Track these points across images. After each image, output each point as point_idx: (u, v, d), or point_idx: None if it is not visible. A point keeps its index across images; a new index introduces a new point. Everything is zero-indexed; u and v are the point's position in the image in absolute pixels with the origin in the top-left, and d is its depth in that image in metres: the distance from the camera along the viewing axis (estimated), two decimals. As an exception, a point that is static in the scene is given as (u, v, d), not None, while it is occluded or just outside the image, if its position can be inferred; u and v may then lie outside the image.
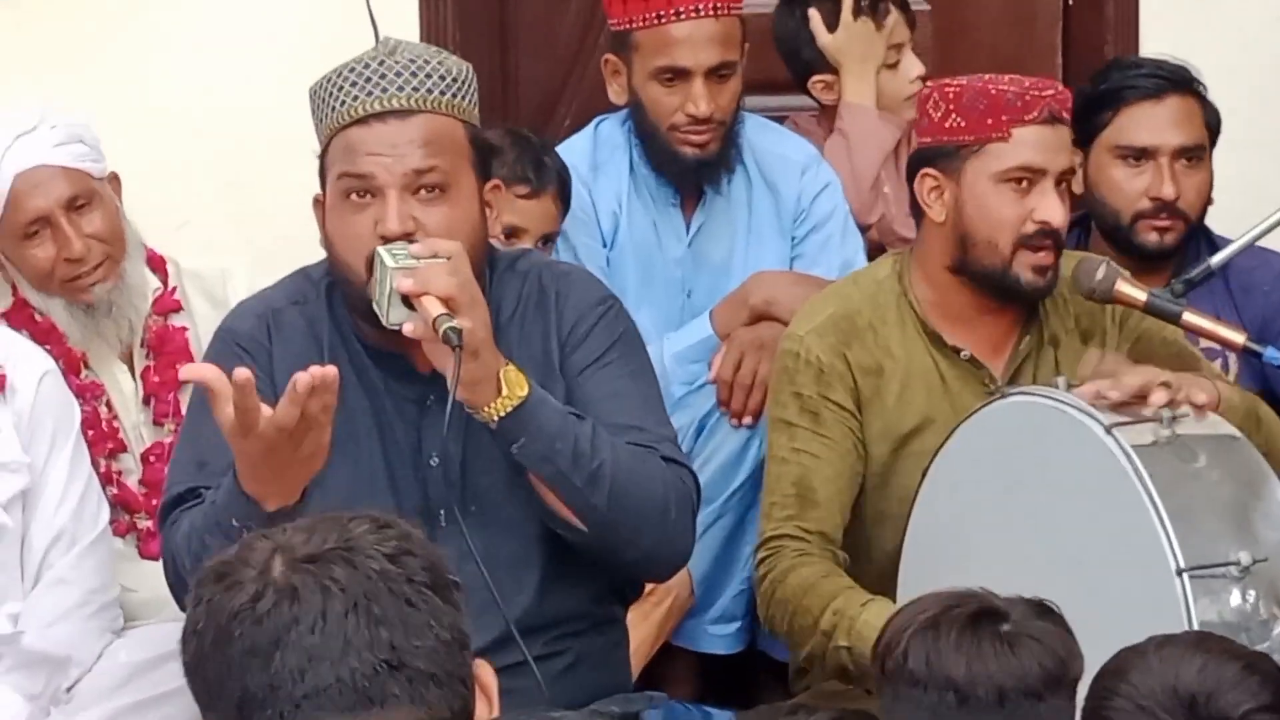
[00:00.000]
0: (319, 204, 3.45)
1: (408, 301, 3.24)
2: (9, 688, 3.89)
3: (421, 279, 3.23)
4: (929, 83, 3.83)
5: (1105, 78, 4.27)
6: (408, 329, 3.24)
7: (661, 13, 4.32)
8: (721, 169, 4.41)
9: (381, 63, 3.38)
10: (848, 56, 4.64)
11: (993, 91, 3.74)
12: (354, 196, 3.36)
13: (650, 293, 4.37)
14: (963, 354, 3.81)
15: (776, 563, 3.71)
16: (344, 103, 3.37)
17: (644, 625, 4.09)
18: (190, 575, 3.29)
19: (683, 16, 4.32)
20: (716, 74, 4.34)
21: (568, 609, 3.47)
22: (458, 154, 3.39)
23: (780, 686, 4.09)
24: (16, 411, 3.92)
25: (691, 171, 4.40)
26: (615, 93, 4.44)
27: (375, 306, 3.30)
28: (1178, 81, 4.30)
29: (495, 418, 3.27)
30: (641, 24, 4.35)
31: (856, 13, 4.63)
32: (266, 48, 4.62)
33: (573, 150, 4.47)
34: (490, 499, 3.43)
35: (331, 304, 3.50)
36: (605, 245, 4.43)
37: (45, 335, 4.16)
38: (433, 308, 3.21)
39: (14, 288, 4.26)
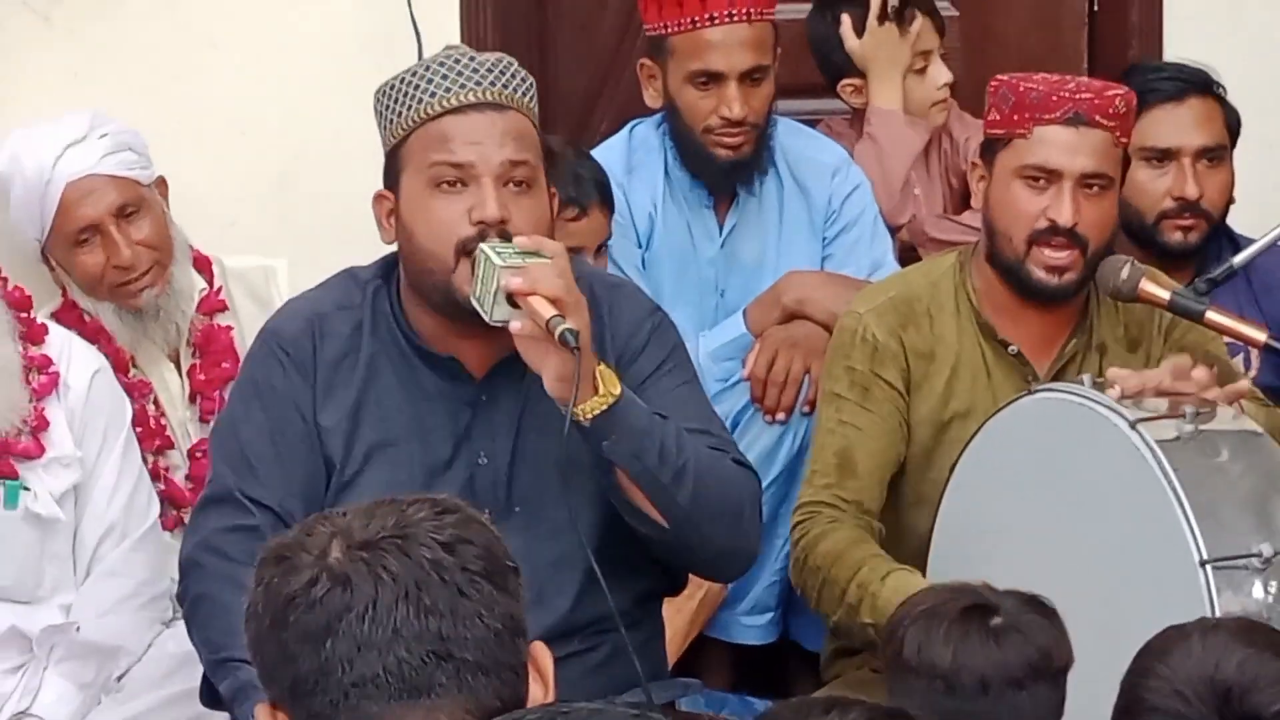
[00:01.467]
0: (382, 199, 3.43)
1: (511, 299, 3.22)
2: (62, 677, 3.92)
3: (531, 278, 3.20)
4: (997, 77, 3.83)
5: (1127, 81, 4.27)
6: (514, 327, 3.22)
7: (696, 18, 4.34)
8: (754, 171, 4.42)
9: (471, 59, 3.38)
10: (874, 61, 4.65)
11: (1021, 89, 3.75)
12: (445, 185, 3.35)
13: (684, 292, 4.39)
14: (1011, 349, 3.82)
15: (810, 528, 3.72)
16: (433, 94, 3.35)
17: (678, 617, 4.10)
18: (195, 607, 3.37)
19: (717, 21, 4.34)
20: (749, 78, 4.36)
21: (607, 608, 3.43)
22: (537, 154, 3.39)
23: (812, 675, 4.10)
24: (69, 408, 3.95)
25: (725, 173, 4.41)
26: (650, 96, 4.45)
27: (474, 302, 3.27)
28: (1198, 84, 4.31)
29: (590, 415, 3.26)
30: (676, 29, 4.37)
31: (882, 18, 4.64)
32: (311, 53, 4.61)
33: (609, 153, 4.48)
34: (535, 501, 3.43)
35: (377, 307, 3.49)
36: (640, 246, 4.44)
37: (94, 335, 4.19)
38: (543, 309, 3.19)
39: (64, 289, 4.29)
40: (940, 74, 4.68)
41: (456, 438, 3.43)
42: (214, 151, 4.53)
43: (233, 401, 3.55)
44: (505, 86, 3.37)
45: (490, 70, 3.38)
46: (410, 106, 3.37)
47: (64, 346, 3.99)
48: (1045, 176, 3.74)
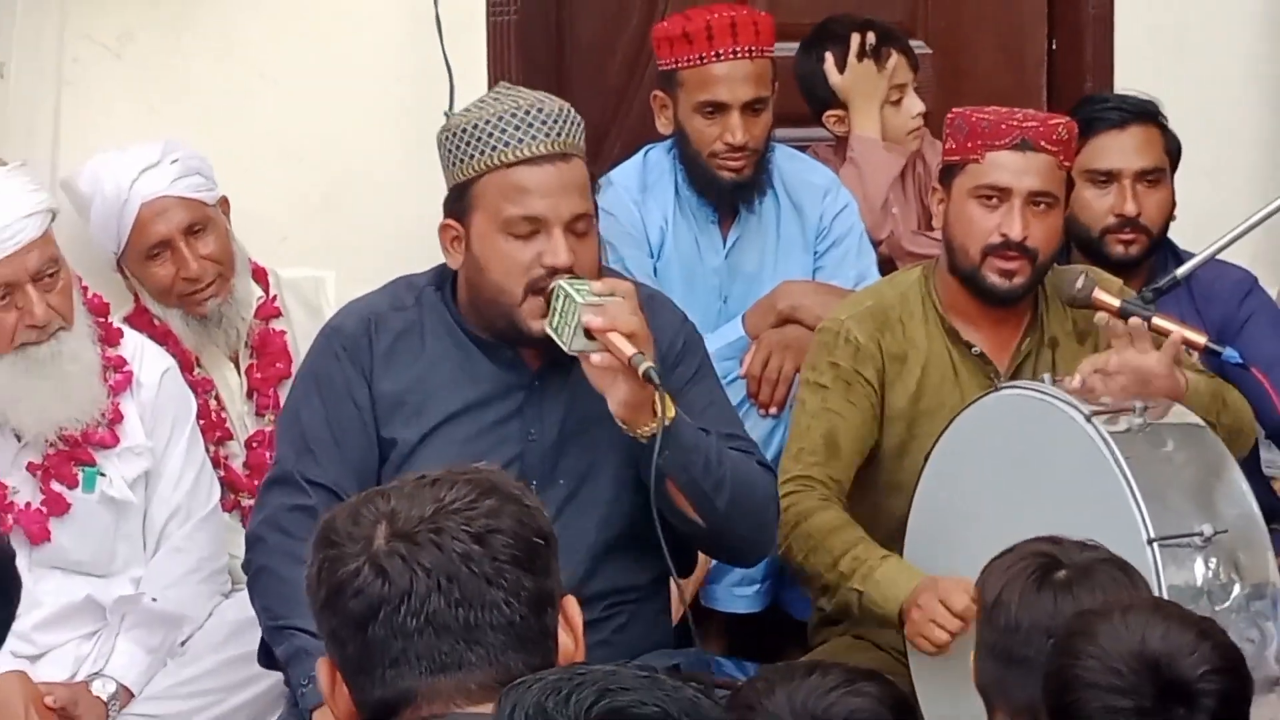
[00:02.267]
0: (448, 229, 3.45)
1: (588, 332, 3.27)
2: (132, 642, 3.94)
3: (610, 316, 3.25)
4: (953, 110, 3.89)
5: (1078, 111, 4.31)
6: (595, 359, 3.27)
7: (704, 54, 4.38)
8: (754, 191, 4.46)
9: (540, 109, 3.39)
10: (855, 94, 4.68)
11: (973, 119, 3.81)
12: (518, 230, 3.39)
13: (692, 298, 4.40)
14: (974, 349, 3.87)
15: (802, 500, 3.75)
16: (506, 144, 3.37)
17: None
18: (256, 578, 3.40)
19: (722, 58, 4.38)
20: (751, 108, 4.39)
21: (626, 581, 3.52)
22: (591, 199, 3.45)
23: (799, 642, 4.12)
24: (142, 403, 3.98)
25: (729, 193, 4.45)
26: (662, 124, 4.48)
27: (551, 331, 3.31)
28: (1139, 113, 4.34)
29: (647, 436, 3.31)
30: (686, 64, 4.40)
31: (861, 56, 4.67)
32: (354, 85, 4.59)
33: (625, 174, 4.51)
34: (577, 477, 3.48)
35: (432, 307, 3.52)
36: (652, 256, 4.46)
37: (162, 338, 4.21)
38: (624, 345, 3.23)
39: (135, 296, 4.31)
40: (914, 105, 4.72)
41: (510, 416, 3.47)
42: (268, 173, 4.52)
43: (295, 392, 3.59)
44: (569, 136, 3.41)
45: (555, 120, 3.40)
46: (482, 151, 3.39)
47: (137, 348, 4.02)
48: (997, 195, 3.79)
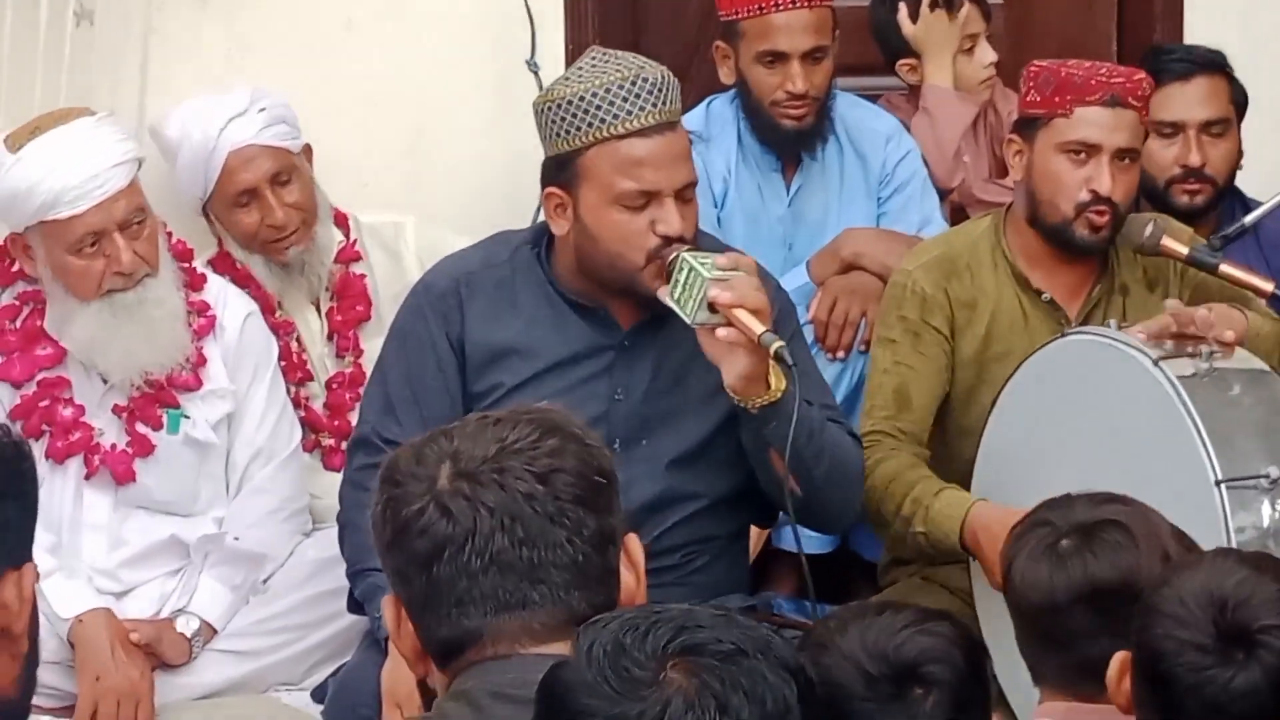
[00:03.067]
0: (552, 196, 3.41)
1: (711, 305, 3.23)
2: (215, 580, 3.96)
3: (739, 293, 3.23)
4: (1033, 63, 3.82)
5: (1145, 64, 4.25)
6: (722, 334, 3.24)
7: (764, 5, 4.33)
8: (817, 139, 4.41)
9: (645, 79, 3.36)
10: (927, 44, 4.64)
11: (1062, 73, 3.76)
12: (631, 200, 3.35)
13: (756, 246, 4.36)
14: (1044, 296, 3.83)
15: (872, 454, 3.72)
16: (616, 115, 3.34)
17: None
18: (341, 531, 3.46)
19: (781, 8, 4.33)
20: (811, 57, 4.34)
21: (709, 531, 3.52)
22: (692, 158, 3.43)
23: (870, 583, 4.10)
24: (224, 346, 3.99)
25: (791, 141, 4.40)
26: (725, 74, 4.44)
27: (672, 302, 3.29)
28: (1205, 64, 4.31)
29: (758, 406, 3.30)
30: (747, 14, 4.35)
31: (934, 6, 4.63)
32: (435, 33, 4.58)
33: (688, 125, 4.46)
34: (661, 436, 3.47)
35: (526, 265, 3.50)
36: (716, 206, 4.43)
37: (244, 281, 4.22)
38: (753, 323, 3.21)
39: (219, 241, 4.31)
40: (986, 54, 4.67)
41: (598, 375, 3.46)
42: (349, 119, 4.51)
43: (384, 350, 3.59)
44: (671, 104, 3.39)
45: (659, 89, 3.37)
46: (590, 124, 3.35)
47: (220, 293, 4.04)
48: (1086, 151, 3.74)
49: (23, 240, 3.88)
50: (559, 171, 3.40)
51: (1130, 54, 4.71)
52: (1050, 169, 3.76)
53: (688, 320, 3.28)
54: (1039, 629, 2.63)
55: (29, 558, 1.99)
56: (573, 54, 4.58)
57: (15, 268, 3.95)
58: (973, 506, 3.57)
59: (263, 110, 4.21)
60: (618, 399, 3.46)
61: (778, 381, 3.28)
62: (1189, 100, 4.27)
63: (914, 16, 4.64)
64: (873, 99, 4.63)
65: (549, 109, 3.39)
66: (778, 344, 3.19)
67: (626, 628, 1.78)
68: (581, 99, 3.35)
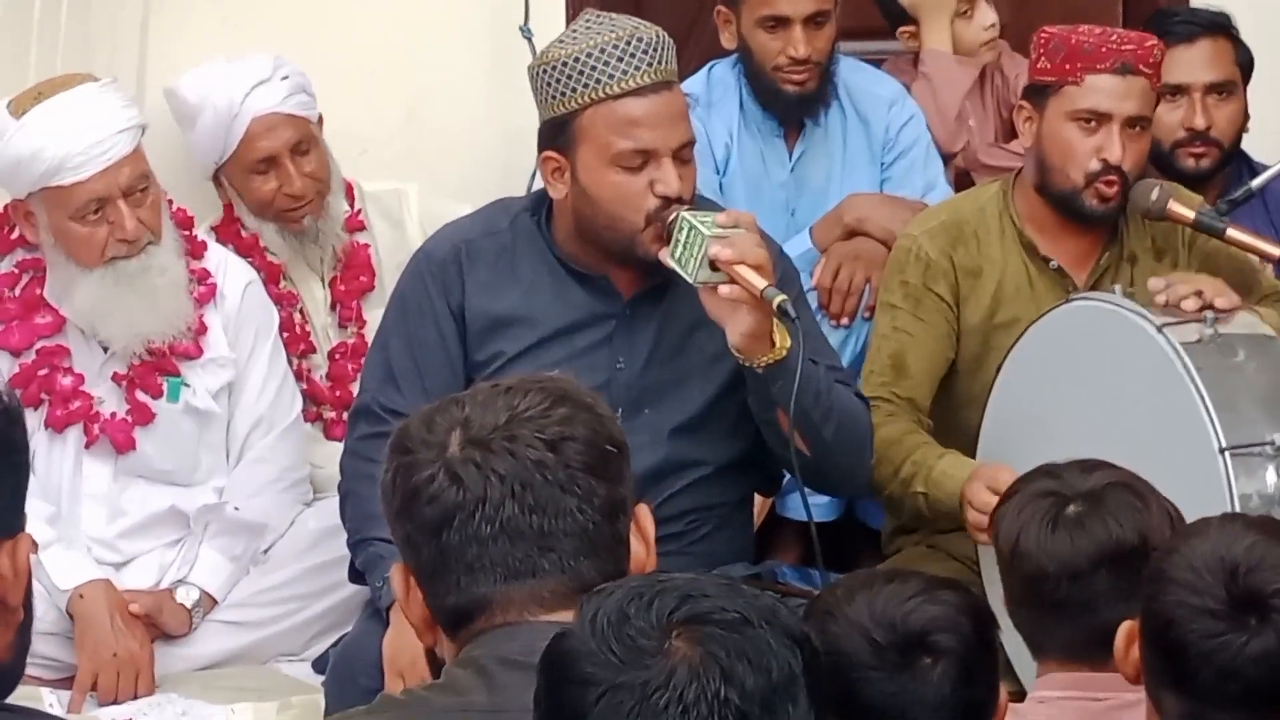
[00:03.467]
0: (549, 160, 3.40)
1: (713, 264, 3.22)
2: (215, 550, 3.96)
3: (740, 249, 3.21)
4: (1044, 29, 3.79)
5: (1150, 26, 4.23)
6: (724, 290, 3.22)
7: (765, -31, 4.32)
8: (819, 104, 4.39)
9: (638, 39, 3.35)
10: (923, 9, 4.63)
11: (1073, 40, 3.74)
12: (629, 161, 3.34)
13: (759, 212, 4.28)
14: (1052, 264, 3.82)
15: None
16: (611, 75, 3.32)
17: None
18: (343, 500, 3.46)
19: (783, -29, 4.31)
20: (813, 21, 4.32)
21: (712, 500, 3.51)
22: (689, 119, 3.42)
23: (874, 551, 4.09)
24: (225, 315, 3.98)
25: (793, 106, 4.39)
26: (726, 39, 4.43)
27: (673, 262, 3.27)
28: (1209, 25, 4.29)
29: (764, 365, 3.28)
30: (748, -22, 4.34)
31: None
32: (432, 2, 4.60)
33: (689, 90, 4.44)
34: (662, 405, 3.46)
35: (525, 233, 3.48)
36: (718, 172, 4.42)
37: (249, 249, 4.21)
38: (754, 278, 3.19)
39: (228, 207, 4.29)
40: (986, 15, 4.65)
41: (599, 344, 3.46)
42: (349, 86, 4.49)
43: (385, 318, 3.59)
44: (667, 63, 3.37)
45: (654, 49, 3.36)
46: (585, 84, 3.34)
47: (221, 261, 4.03)
48: (1096, 119, 3.73)
49: (24, 207, 3.87)
50: (555, 135, 3.39)
51: (1135, 16, 4.70)
52: (1060, 136, 3.74)
53: (690, 279, 3.26)
54: (1051, 598, 2.62)
55: (22, 527, 1.98)
56: (571, 19, 4.56)
57: (15, 235, 3.94)
58: (974, 470, 3.56)
59: (285, 78, 4.19)
60: (619, 368, 3.45)
61: (782, 340, 3.27)
62: (1193, 62, 4.25)
63: None
64: (876, 63, 4.62)
65: (544, 71, 3.38)
66: (780, 298, 3.17)
67: (630, 596, 1.77)
68: (576, 60, 3.34)
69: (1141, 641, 2.28)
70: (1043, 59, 3.77)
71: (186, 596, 3.91)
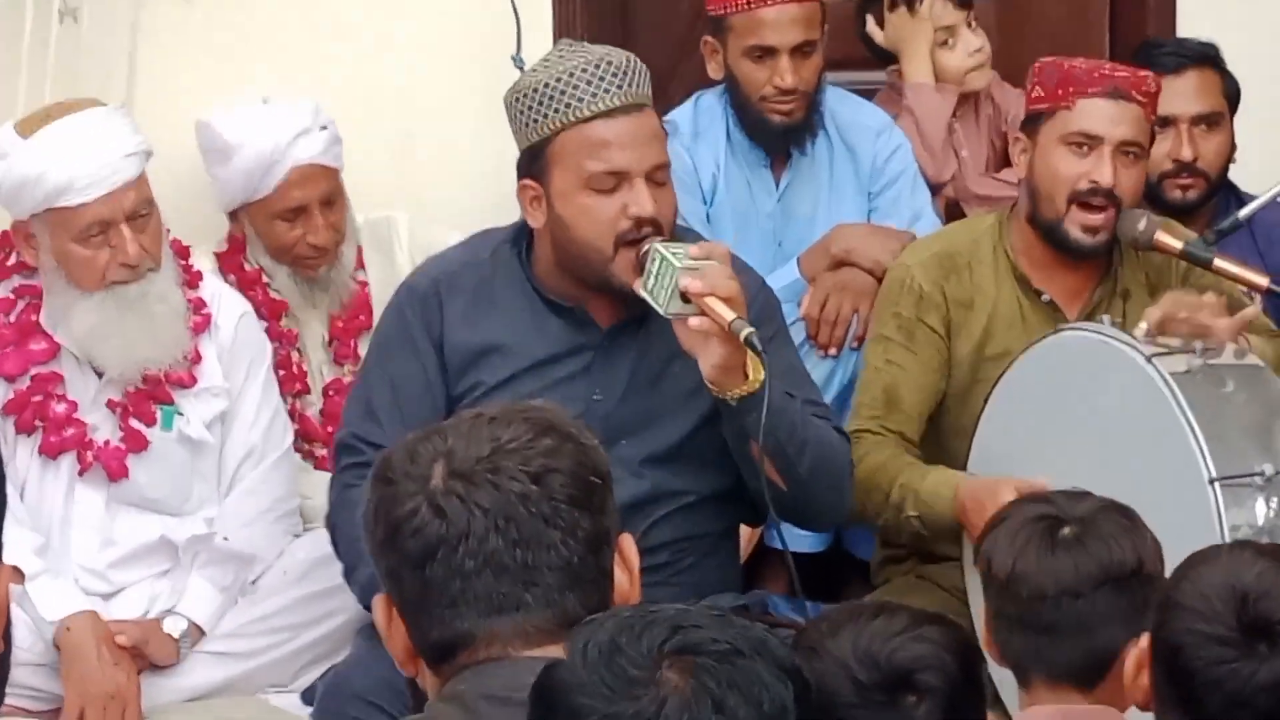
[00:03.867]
0: (527, 189, 3.42)
1: (684, 296, 3.23)
2: (204, 580, 3.95)
3: (710, 281, 3.21)
4: (1040, 61, 3.81)
5: (1136, 57, 4.24)
6: (694, 323, 3.21)
7: (752, 0, 4.32)
8: (806, 134, 4.39)
9: (609, 63, 3.36)
10: (899, 44, 4.65)
11: (1065, 67, 3.76)
12: (601, 185, 3.34)
13: (746, 243, 4.36)
14: (1044, 297, 3.82)
15: (856, 450, 3.68)
16: (580, 99, 3.34)
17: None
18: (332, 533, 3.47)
19: (770, 2, 4.31)
20: (800, 51, 4.32)
21: (696, 529, 3.50)
22: (665, 144, 3.42)
23: (863, 581, 4.09)
24: (219, 345, 3.98)
25: (780, 136, 4.38)
26: (713, 69, 4.43)
27: (645, 293, 3.27)
28: (1196, 57, 4.30)
29: (738, 397, 3.28)
30: (735, 9, 4.34)
31: (893, 6, 4.65)
32: (423, 29, 4.57)
33: (677, 120, 4.46)
34: (640, 437, 3.46)
35: (505, 263, 3.49)
36: (705, 202, 4.42)
37: (251, 283, 4.22)
38: (724, 310, 3.19)
39: (234, 238, 4.27)
40: (970, 42, 4.66)
41: (576, 375, 3.45)
42: (340, 115, 4.45)
43: (368, 352, 3.61)
44: (639, 87, 3.38)
45: (624, 72, 3.37)
46: (556, 109, 3.35)
47: (215, 291, 4.03)
48: (1088, 143, 3.74)
49: (26, 228, 3.86)
50: (531, 163, 3.40)
51: (1123, 47, 4.70)
52: (1050, 162, 3.75)
53: (661, 311, 3.26)
54: (1047, 620, 2.61)
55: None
56: (557, 50, 4.57)
57: (11, 261, 3.93)
58: (961, 482, 3.56)
59: (324, 128, 4.20)
60: (596, 399, 3.44)
61: (755, 372, 3.27)
62: (1180, 94, 4.25)
63: (880, 23, 4.65)
64: (867, 95, 4.62)
65: (517, 100, 3.40)
66: (748, 330, 3.17)
67: (621, 627, 1.77)
68: (547, 86, 3.35)
69: (1151, 667, 2.28)
70: (1037, 88, 3.79)
71: (174, 627, 3.89)
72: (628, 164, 3.33)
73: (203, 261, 4.13)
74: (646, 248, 3.29)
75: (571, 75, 3.35)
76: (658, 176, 3.36)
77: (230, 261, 4.23)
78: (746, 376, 3.26)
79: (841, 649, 2.35)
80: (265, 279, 4.23)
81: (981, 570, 2.74)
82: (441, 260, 3.58)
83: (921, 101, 4.60)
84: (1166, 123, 4.25)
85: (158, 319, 3.85)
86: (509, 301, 3.47)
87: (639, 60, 3.42)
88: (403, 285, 3.59)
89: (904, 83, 4.63)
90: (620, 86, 3.35)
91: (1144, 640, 2.30)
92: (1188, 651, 2.21)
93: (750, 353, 3.23)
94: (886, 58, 4.68)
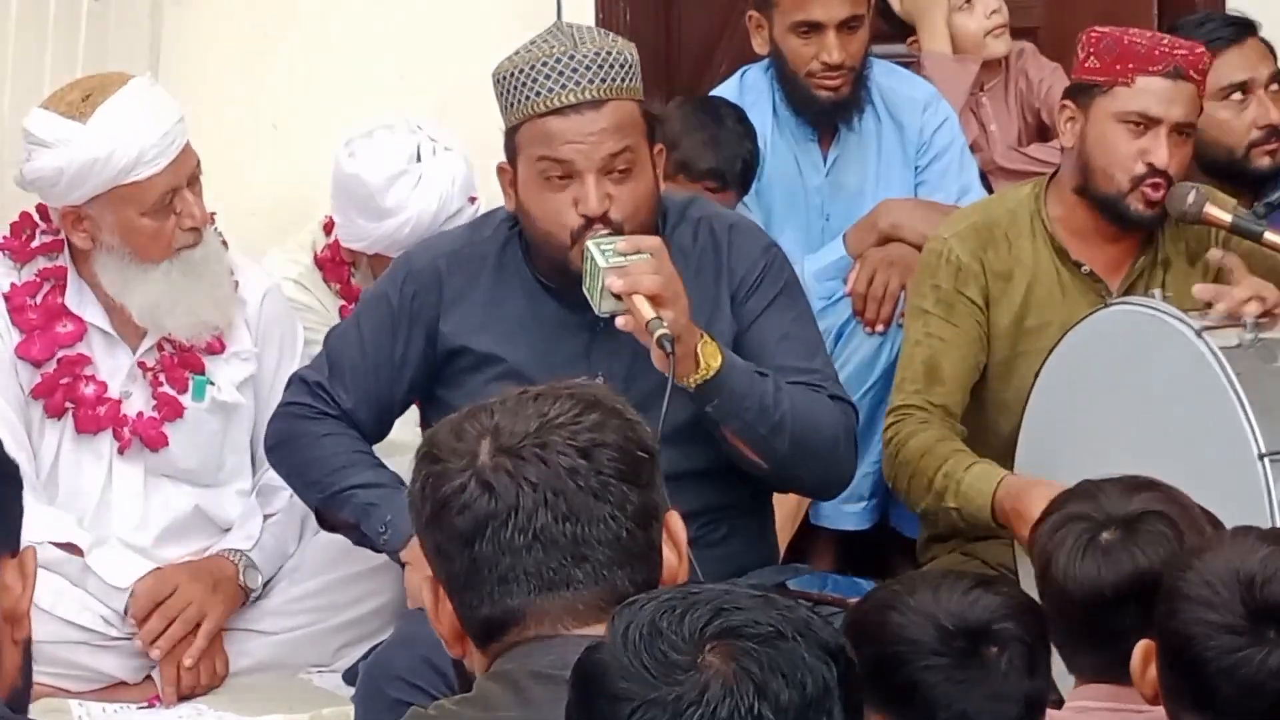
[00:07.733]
0: (504, 171, 3.44)
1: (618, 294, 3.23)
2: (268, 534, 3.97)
3: (631, 280, 3.21)
4: (1093, 29, 3.77)
5: (1186, 28, 4.20)
6: (620, 322, 3.24)
7: (798, -27, 4.31)
8: (853, 109, 4.39)
9: (571, 56, 3.35)
10: (916, 14, 4.66)
11: (1125, 41, 3.73)
12: (553, 178, 3.35)
13: (793, 217, 4.36)
14: (1084, 268, 3.80)
15: (901, 429, 3.71)
16: (538, 93, 3.34)
17: (785, 504, 4.08)
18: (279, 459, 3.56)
19: (817, -25, 4.31)
20: (846, 26, 4.32)
21: (720, 500, 3.48)
22: (638, 132, 3.38)
23: (909, 559, 4.08)
24: (247, 314, 3.97)
25: (827, 112, 4.39)
26: (759, 44, 4.42)
27: (585, 291, 3.28)
28: (1250, 26, 4.28)
29: (694, 385, 3.28)
30: (781, -16, 4.34)
31: None
32: (461, 8, 4.62)
33: (723, 95, 4.45)
34: (649, 412, 3.42)
35: (506, 245, 3.50)
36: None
37: (342, 272, 4.29)
38: (644, 309, 3.19)
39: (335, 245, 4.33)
40: (987, 3, 4.64)
41: (577, 357, 3.44)
42: (379, 93, 4.51)
43: (357, 307, 3.63)
44: (605, 80, 3.35)
45: (590, 67, 3.34)
46: (521, 100, 3.36)
47: (240, 265, 4.02)
48: (1145, 123, 3.71)
49: (76, 213, 3.83)
50: (507, 146, 3.42)
51: (1170, 20, 4.67)
52: (1106, 138, 3.72)
53: (596, 310, 3.27)
54: (1081, 623, 2.60)
55: (19, 544, 1.98)
56: (601, 22, 4.56)
57: (34, 244, 3.92)
58: (1001, 480, 3.55)
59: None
60: (597, 380, 3.42)
61: (708, 359, 3.27)
62: (1250, 61, 4.22)
63: None
64: (905, 66, 4.61)
65: (497, 83, 3.42)
66: (661, 331, 3.17)
67: (663, 609, 1.74)
68: (516, 74, 3.37)
69: (1159, 661, 2.26)
70: (1092, 58, 3.75)
71: (252, 579, 3.89)
72: (574, 158, 3.32)
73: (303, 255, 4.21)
74: (585, 246, 3.29)
75: (534, 68, 3.34)
76: (616, 166, 3.34)
77: (331, 262, 4.30)
78: (698, 364, 3.26)
79: (923, 603, 2.37)
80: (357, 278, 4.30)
81: (1031, 557, 2.74)
82: (446, 238, 3.61)
83: (939, 70, 4.59)
84: (1241, 89, 4.21)
85: (218, 279, 3.87)
86: (508, 282, 3.48)
87: (617, 53, 3.37)
88: (404, 255, 3.60)
89: (922, 51, 4.62)
90: (578, 83, 3.33)
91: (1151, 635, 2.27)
92: (1197, 642, 2.18)
93: (706, 339, 3.25)
94: (905, 30, 4.66)
